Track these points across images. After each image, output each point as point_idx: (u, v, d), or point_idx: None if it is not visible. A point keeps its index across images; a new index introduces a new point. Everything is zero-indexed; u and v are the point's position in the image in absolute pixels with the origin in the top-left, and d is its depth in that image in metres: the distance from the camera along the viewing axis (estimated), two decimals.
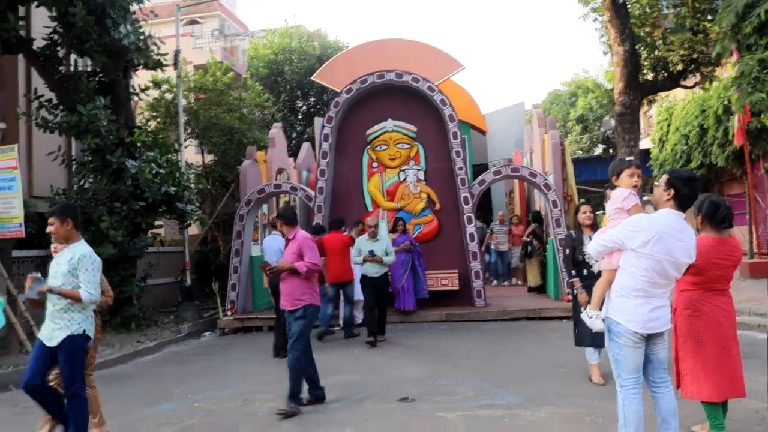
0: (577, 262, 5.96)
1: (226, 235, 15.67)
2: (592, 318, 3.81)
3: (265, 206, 13.26)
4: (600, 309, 3.79)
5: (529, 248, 12.74)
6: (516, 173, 11.40)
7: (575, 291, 5.96)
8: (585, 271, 5.88)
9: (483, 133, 18.17)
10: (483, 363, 7.17)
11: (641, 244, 3.52)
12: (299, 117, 22.30)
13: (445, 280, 11.14)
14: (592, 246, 3.76)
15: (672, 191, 3.64)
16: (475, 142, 17.76)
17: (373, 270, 8.90)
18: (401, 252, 10.10)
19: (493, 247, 14.54)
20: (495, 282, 14.57)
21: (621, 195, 3.85)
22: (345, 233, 9.53)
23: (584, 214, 6.08)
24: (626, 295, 3.58)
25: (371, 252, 8.88)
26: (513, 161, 16.09)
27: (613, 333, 3.63)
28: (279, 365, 7.70)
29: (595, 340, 5.85)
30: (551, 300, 11.44)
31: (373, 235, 9.05)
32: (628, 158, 4.02)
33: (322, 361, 6.74)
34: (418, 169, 11.90)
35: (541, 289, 12.56)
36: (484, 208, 15.16)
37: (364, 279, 8.91)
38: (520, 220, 14.93)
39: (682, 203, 3.63)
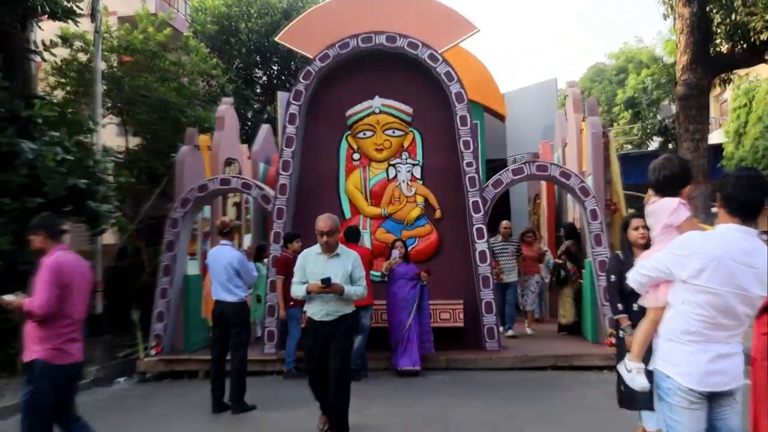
0: (625, 294, 5.88)
1: (153, 245, 15.51)
2: (631, 371, 3.74)
3: (206, 209, 13.15)
4: (644, 360, 3.72)
5: (562, 273, 12.64)
6: (543, 172, 11.41)
7: (621, 332, 5.89)
8: (635, 306, 5.81)
9: (501, 118, 18.23)
10: None
11: (694, 274, 3.43)
12: (257, 90, 22.26)
13: (445, 313, 11.09)
14: (633, 276, 3.70)
15: (721, 198, 3.51)
16: (491, 131, 17.77)
17: (323, 309, 6.77)
18: (404, 283, 10.25)
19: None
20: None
21: (668, 206, 3.77)
22: (362, 246, 10.34)
23: (636, 231, 6.00)
24: (676, 339, 3.51)
25: (326, 281, 6.60)
26: (540, 156, 16.12)
27: (661, 390, 3.56)
28: (221, 425, 7.56)
29: (651, 400, 5.76)
30: (588, 344, 11.42)
31: (330, 249, 6.91)
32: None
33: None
34: (414, 164, 11.91)
35: (575, 329, 12.51)
36: (499, 217, 15.11)
37: (308, 324, 6.92)
38: (535, 235, 14.00)
39: (743, 213, 3.47)
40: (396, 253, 10.52)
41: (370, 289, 9.74)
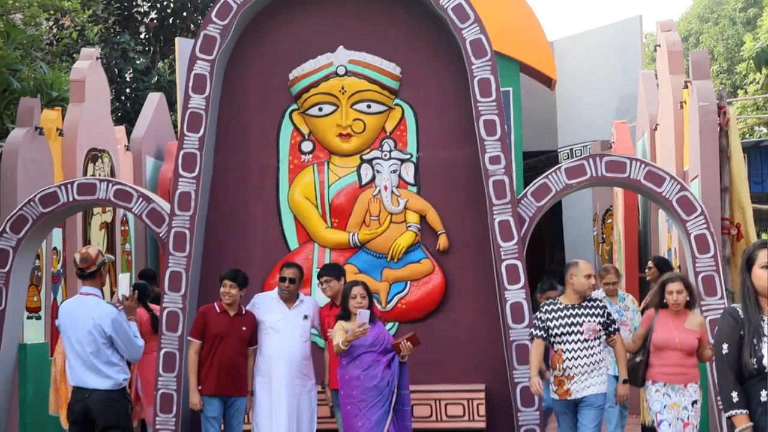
0: (747, 375, 6.02)
1: None
2: None
3: (56, 234, 13.21)
4: None
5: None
6: (618, 174, 11.52)
7: None
8: (765, 394, 5.95)
9: (549, 83, 18.37)
10: None
11: None
12: (141, 37, 22.33)
13: (456, 407, 11.18)
14: None
15: None
16: (532, 105, 17.99)
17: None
18: (371, 360, 10.05)
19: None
20: None
21: None
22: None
23: None
24: None
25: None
26: (613, 147, 16.33)
27: None
28: None
29: None
30: None
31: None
32: None
33: None
34: (403, 160, 12.07)
35: None
36: (544, 247, 15.20)
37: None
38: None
39: None
40: (366, 315, 9.79)
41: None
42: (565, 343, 9.54)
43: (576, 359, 9.48)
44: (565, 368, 9.51)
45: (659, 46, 15.47)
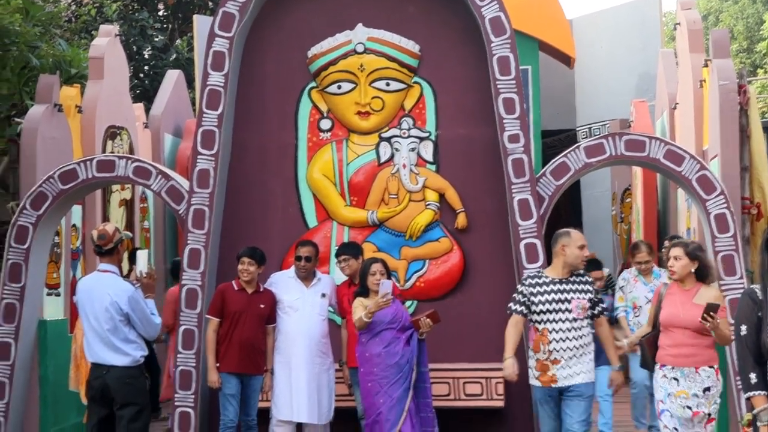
0: (767, 356, 5.98)
1: None
2: None
3: (76, 211, 13.23)
4: None
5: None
6: (637, 153, 11.50)
7: (760, 419, 6.01)
8: None
9: (568, 62, 18.33)
10: None
11: None
12: (159, 14, 22.33)
13: (474, 385, 11.20)
14: None
15: None
16: (551, 83, 17.94)
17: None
18: (392, 337, 10.10)
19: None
20: None
21: None
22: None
23: None
24: None
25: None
26: (632, 126, 16.27)
27: None
28: None
29: None
30: None
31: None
32: None
33: None
34: (422, 138, 12.06)
35: None
36: (561, 223, 15.08)
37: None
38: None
39: None
40: (389, 286, 10.06)
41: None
42: (550, 322, 8.85)
43: (563, 341, 8.82)
44: (551, 350, 8.82)
45: (679, 24, 15.40)
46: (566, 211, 18.81)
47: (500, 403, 11.21)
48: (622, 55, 18.54)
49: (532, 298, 8.90)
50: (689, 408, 8.38)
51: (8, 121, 15.69)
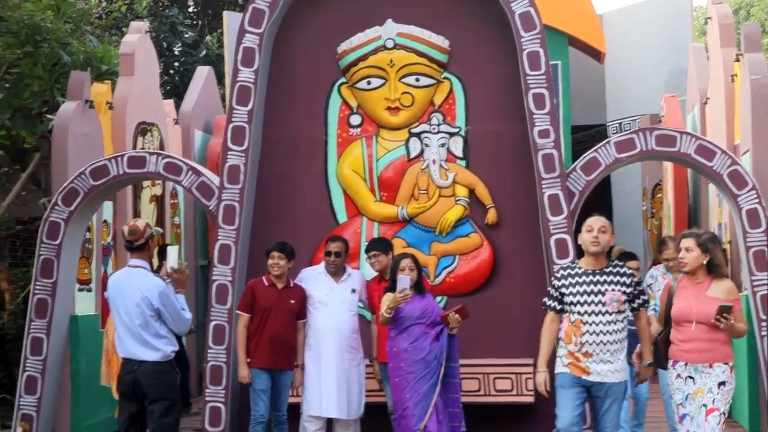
0: None
1: (18, 267, 15.65)
2: None
3: (107, 207, 13.28)
4: None
5: None
6: (668, 148, 11.45)
7: None
8: None
9: (598, 57, 18.28)
10: None
11: None
12: (189, 10, 22.38)
13: (504, 381, 11.17)
14: None
15: None
16: (581, 78, 17.88)
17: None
18: (420, 332, 10.07)
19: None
20: None
21: None
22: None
23: None
24: None
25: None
26: (663, 121, 16.20)
27: None
28: None
29: None
30: None
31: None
32: None
33: None
34: (451, 134, 12.04)
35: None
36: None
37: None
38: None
39: None
40: (407, 281, 10.02)
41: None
42: (583, 314, 8.48)
43: (596, 334, 8.42)
44: (584, 343, 8.43)
45: (710, 18, 15.31)
46: (596, 206, 18.72)
47: (530, 399, 11.15)
48: (653, 49, 18.45)
49: (563, 290, 8.57)
50: (704, 406, 8.06)
51: (40, 117, 15.76)
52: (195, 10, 22.33)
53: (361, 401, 10.52)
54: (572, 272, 8.64)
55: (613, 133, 17.30)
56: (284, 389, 10.52)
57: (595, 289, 8.43)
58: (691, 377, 8.15)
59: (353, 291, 10.55)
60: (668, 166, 15.88)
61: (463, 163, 11.98)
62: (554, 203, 11.28)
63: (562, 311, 8.62)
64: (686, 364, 8.19)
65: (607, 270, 8.56)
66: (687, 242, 8.35)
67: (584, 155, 11.61)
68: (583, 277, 8.53)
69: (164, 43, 21.37)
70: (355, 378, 10.43)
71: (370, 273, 11.00)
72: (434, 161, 11.93)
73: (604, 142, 11.70)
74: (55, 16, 16.58)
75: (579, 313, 8.42)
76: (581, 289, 8.47)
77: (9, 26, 15.94)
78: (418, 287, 10.08)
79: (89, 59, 16.47)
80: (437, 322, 10.02)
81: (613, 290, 8.41)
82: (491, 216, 11.81)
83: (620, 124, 18.28)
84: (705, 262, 8.29)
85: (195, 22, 22.14)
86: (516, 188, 11.83)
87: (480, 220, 11.89)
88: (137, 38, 14.24)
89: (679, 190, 15.80)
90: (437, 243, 11.88)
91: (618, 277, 8.51)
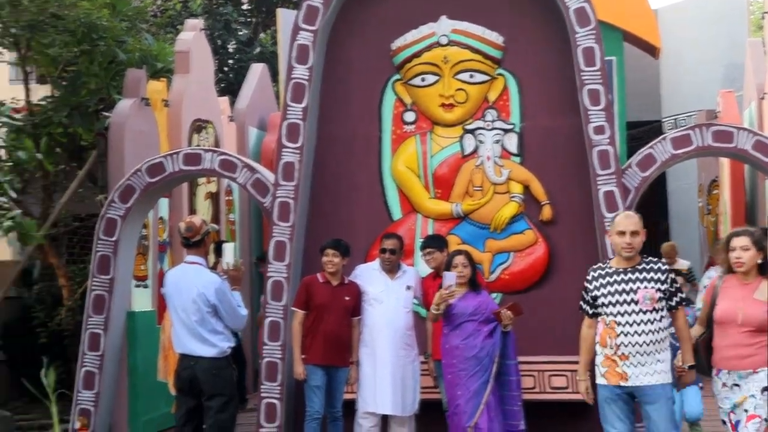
0: None
1: (76, 263, 15.78)
2: None
3: (163, 204, 13.37)
4: None
5: None
6: (725, 144, 11.38)
7: None
8: None
9: (653, 52, 18.18)
10: None
11: None
12: (243, 8, 22.46)
13: (559, 378, 11.16)
14: None
15: None
16: (636, 74, 17.78)
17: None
18: (473, 329, 10.07)
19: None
20: None
21: None
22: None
23: None
24: None
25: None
26: (719, 117, 16.09)
27: None
28: None
29: None
30: None
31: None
32: None
33: None
34: (506, 130, 12.02)
35: None
36: (649, 219, 14.94)
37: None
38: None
39: None
40: (452, 278, 9.98)
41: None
42: (617, 315, 8.12)
43: (632, 335, 8.02)
44: (619, 344, 8.06)
45: (766, 13, 15.21)
46: (652, 203, 18.66)
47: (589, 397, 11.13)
48: (709, 45, 18.35)
49: (595, 292, 8.22)
50: (746, 411, 7.70)
51: (96, 115, 15.89)
52: (249, 7, 22.39)
53: (416, 398, 10.54)
54: (603, 272, 8.29)
55: (669, 130, 17.24)
56: (339, 386, 10.55)
57: (627, 288, 8.07)
58: (737, 384, 7.84)
59: (408, 288, 10.57)
60: (725, 162, 15.80)
61: (518, 159, 11.97)
62: (609, 200, 11.24)
63: (596, 315, 8.30)
64: (730, 372, 7.88)
65: (640, 267, 8.19)
66: (742, 241, 7.97)
67: (640, 151, 11.55)
68: (614, 277, 8.18)
69: (219, 41, 21.51)
70: (409, 375, 10.45)
71: (425, 270, 11.02)
72: (489, 158, 11.92)
73: (660, 138, 11.65)
74: (111, 14, 16.72)
75: (612, 314, 8.08)
76: (612, 289, 8.12)
77: (66, 25, 16.09)
78: (473, 284, 10.14)
79: (145, 57, 16.60)
80: (491, 319, 10.01)
81: (645, 288, 8.02)
82: (546, 213, 11.81)
83: (675, 120, 18.21)
84: (760, 261, 7.96)
85: (249, 20, 22.20)
86: (570, 185, 11.81)
87: (535, 217, 11.88)
88: (192, 36, 14.35)
89: (735, 187, 15.71)
90: (492, 240, 11.86)
91: (652, 274, 8.12)
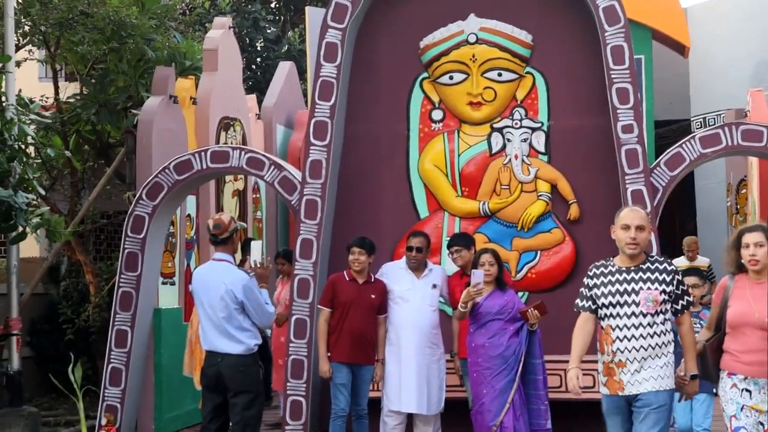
0: None
1: (103, 260, 15.80)
2: None
3: (190, 201, 13.39)
4: None
5: None
6: (755, 143, 11.34)
7: None
8: None
9: (682, 51, 18.11)
10: None
11: None
12: (272, 6, 22.47)
13: (585, 376, 10.84)
14: None
15: None
16: (665, 72, 17.71)
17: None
18: (498, 328, 10.07)
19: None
20: None
21: None
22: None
23: None
24: None
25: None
26: (749, 115, 16.00)
27: None
28: None
29: None
30: None
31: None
32: None
33: None
34: (534, 129, 12.00)
35: None
36: (677, 219, 14.91)
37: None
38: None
39: None
40: (480, 276, 9.87)
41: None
42: (614, 318, 7.58)
43: (629, 340, 7.50)
44: (615, 351, 7.57)
45: None
46: (679, 202, 18.60)
47: None
48: (738, 43, 18.26)
49: (596, 290, 7.66)
50: (762, 424, 7.18)
51: (125, 112, 15.95)
52: (277, 5, 22.40)
53: (441, 397, 10.52)
54: (605, 270, 7.73)
55: (697, 128, 17.19)
56: (364, 384, 10.55)
57: (629, 288, 7.52)
58: (747, 390, 7.31)
59: (434, 286, 10.55)
60: (753, 162, 15.69)
61: (545, 158, 11.94)
62: (638, 199, 11.18)
63: (597, 311, 7.74)
64: (745, 378, 7.32)
65: (644, 266, 7.62)
66: (756, 236, 7.42)
67: (668, 150, 11.51)
68: (616, 276, 7.63)
69: (247, 39, 21.54)
70: (435, 373, 10.42)
71: (452, 268, 10.98)
72: (516, 156, 11.90)
73: (688, 137, 11.59)
74: (139, 12, 16.77)
75: (611, 315, 7.54)
76: (613, 289, 7.58)
77: (95, 23, 16.15)
78: (499, 283, 10.11)
79: (173, 55, 16.64)
80: (517, 318, 9.97)
81: (649, 289, 7.45)
82: (573, 211, 11.77)
83: (704, 118, 18.13)
84: None
85: (277, 18, 22.21)
86: (598, 183, 11.77)
87: (562, 216, 11.85)
88: (220, 34, 14.37)
89: (764, 186, 15.61)
90: (519, 238, 11.85)
91: (657, 274, 7.55)
